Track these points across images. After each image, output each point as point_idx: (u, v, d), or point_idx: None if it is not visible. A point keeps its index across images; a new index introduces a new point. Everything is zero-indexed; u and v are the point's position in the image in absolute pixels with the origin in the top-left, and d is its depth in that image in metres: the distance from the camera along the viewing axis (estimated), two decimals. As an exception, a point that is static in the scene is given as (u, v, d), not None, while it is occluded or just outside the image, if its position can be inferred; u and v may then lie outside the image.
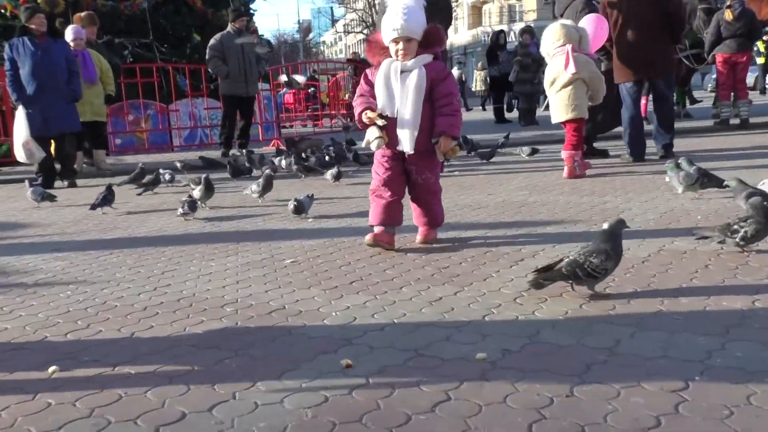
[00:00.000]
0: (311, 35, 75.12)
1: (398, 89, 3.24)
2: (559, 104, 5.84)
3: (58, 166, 7.57)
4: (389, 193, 3.35)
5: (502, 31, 15.31)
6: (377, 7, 48.51)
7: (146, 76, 11.01)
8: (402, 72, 3.24)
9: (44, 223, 4.91)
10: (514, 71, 13.23)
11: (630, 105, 6.68)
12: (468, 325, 2.22)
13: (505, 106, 15.42)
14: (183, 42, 12.48)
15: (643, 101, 7.17)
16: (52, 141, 7.40)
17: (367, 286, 2.76)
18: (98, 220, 4.91)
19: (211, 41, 9.72)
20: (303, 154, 7.67)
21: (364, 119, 3.27)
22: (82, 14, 9.34)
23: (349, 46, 72.07)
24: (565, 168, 5.85)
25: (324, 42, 78.10)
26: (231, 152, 9.59)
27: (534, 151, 7.54)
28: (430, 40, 3.28)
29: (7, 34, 11.04)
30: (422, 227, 3.50)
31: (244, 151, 9.21)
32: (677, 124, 7.28)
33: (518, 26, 47.68)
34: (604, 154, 7.27)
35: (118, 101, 10.44)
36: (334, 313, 2.41)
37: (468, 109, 24.63)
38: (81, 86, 7.55)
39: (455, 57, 55.59)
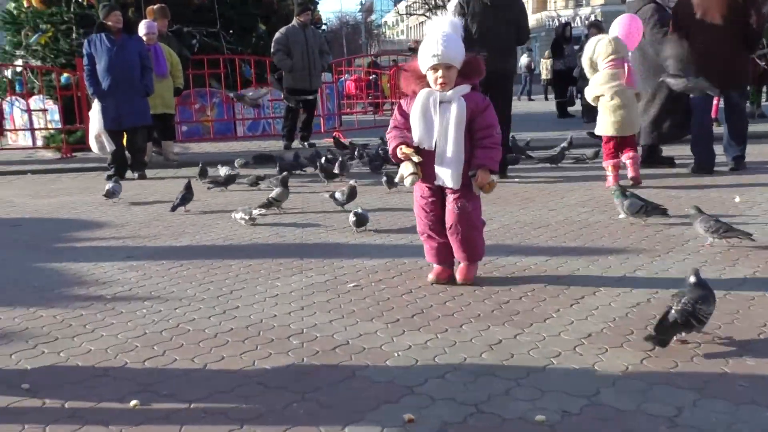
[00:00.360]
0: (373, 16, 75.02)
1: (437, 122, 3.11)
2: (622, 118, 5.83)
3: (129, 158, 7.86)
4: (438, 236, 3.29)
5: (568, 23, 15.02)
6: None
7: (213, 66, 11.25)
8: (441, 103, 3.11)
9: (117, 223, 5.13)
10: (579, 67, 12.98)
11: (700, 115, 6.51)
12: (528, 377, 2.26)
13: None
14: (248, 31, 12.64)
15: (714, 101, 6.97)
16: (125, 134, 7.68)
17: (428, 321, 2.82)
18: (168, 222, 5.11)
19: (277, 35, 9.89)
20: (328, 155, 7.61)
21: (399, 154, 3.16)
22: (155, 7, 9.59)
23: (410, 27, 71.76)
24: (632, 171, 5.96)
25: (386, 23, 77.85)
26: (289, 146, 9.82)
27: (596, 154, 7.44)
28: (470, 69, 3.17)
29: (83, 22, 11.47)
30: (462, 262, 3.33)
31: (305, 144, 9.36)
32: (750, 127, 7.05)
33: (584, 11, 46.68)
34: (670, 162, 7.12)
35: (185, 90, 10.75)
36: (396, 354, 2.49)
37: (530, 99, 24.32)
38: (153, 81, 7.81)
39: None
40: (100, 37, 7.44)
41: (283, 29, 10.01)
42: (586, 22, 43.24)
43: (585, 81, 12.62)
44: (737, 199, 5.10)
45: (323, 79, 11.72)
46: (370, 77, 18.76)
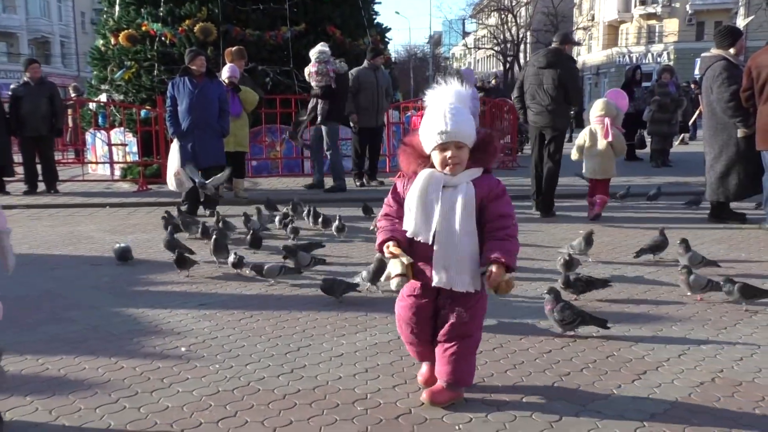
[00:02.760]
0: (441, 48, 75.66)
1: (437, 210, 2.58)
2: (595, 165, 7.37)
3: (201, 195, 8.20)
4: (419, 344, 2.82)
5: (638, 66, 14.89)
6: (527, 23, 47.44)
7: (285, 105, 11.64)
8: (444, 187, 2.61)
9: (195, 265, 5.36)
10: (649, 110, 12.85)
11: (773, 173, 6.38)
12: (587, 462, 2.29)
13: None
14: (321, 70, 13.03)
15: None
16: (200, 172, 8.03)
17: (489, 393, 2.87)
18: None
19: (349, 74, 10.22)
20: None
21: (386, 253, 2.65)
22: (233, 49, 10.02)
23: (478, 60, 72.10)
24: (596, 209, 7.28)
25: (453, 55, 78.40)
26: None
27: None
28: (483, 149, 2.67)
29: (165, 60, 12.08)
30: (440, 381, 2.76)
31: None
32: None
33: (656, 48, 45.95)
34: (740, 218, 6.97)
35: (257, 125, 11.17)
36: (457, 427, 2.56)
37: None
38: (230, 123, 8.17)
39: (587, 77, 54.28)
40: (183, 80, 7.85)
41: (354, 71, 10.35)
42: (659, 59, 42.69)
43: (655, 125, 12.67)
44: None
45: (391, 117, 12.01)
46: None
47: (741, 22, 39.10)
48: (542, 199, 7.63)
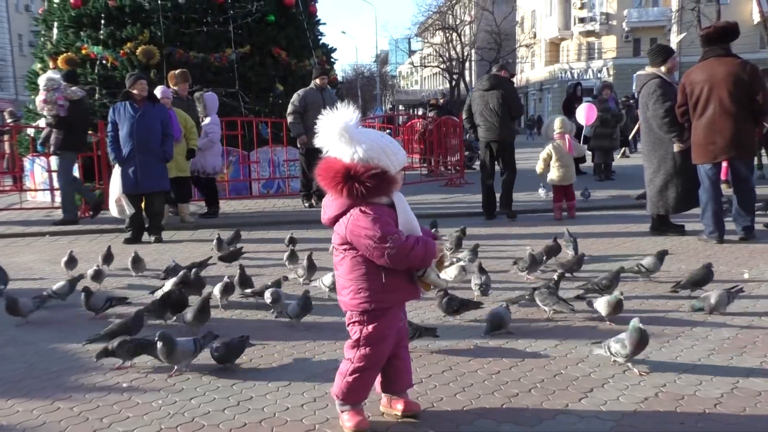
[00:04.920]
0: (388, 67, 76.34)
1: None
2: (564, 173, 8.66)
3: (146, 221, 8.02)
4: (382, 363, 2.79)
5: (579, 83, 15.26)
6: (460, 43, 48.08)
7: (230, 127, 11.52)
8: None
9: (134, 294, 5.22)
10: (591, 126, 13.17)
11: (709, 187, 6.59)
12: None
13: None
14: (266, 91, 12.97)
15: (723, 164, 7.05)
16: (143, 198, 7.87)
17: (432, 388, 2.86)
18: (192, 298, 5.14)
19: (294, 96, 10.19)
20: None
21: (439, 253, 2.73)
22: (176, 72, 9.88)
23: (424, 78, 72.97)
24: (571, 212, 8.76)
25: (400, 73, 79.19)
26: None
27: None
28: None
29: (106, 83, 11.83)
30: (406, 390, 2.90)
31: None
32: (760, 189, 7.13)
33: (596, 64, 47.32)
34: (679, 230, 7.18)
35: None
36: (406, 455, 2.53)
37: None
38: (173, 148, 8.03)
39: (531, 93, 55.46)
40: (125, 105, 7.69)
41: (301, 91, 10.28)
42: (599, 75, 43.94)
43: (597, 140, 13.00)
44: (746, 275, 5.14)
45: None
46: (386, 131, 19.03)
47: (674, 39, 40.62)
48: (504, 202, 8.85)
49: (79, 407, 3.06)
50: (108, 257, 6.19)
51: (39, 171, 12.31)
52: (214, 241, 6.75)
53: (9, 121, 16.91)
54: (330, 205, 2.69)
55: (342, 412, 2.77)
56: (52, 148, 9.31)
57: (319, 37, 14.58)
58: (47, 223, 9.66)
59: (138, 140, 7.59)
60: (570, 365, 3.41)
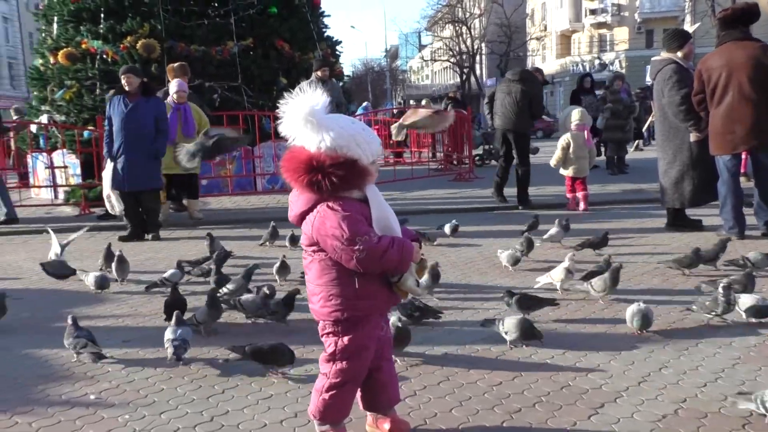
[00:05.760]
0: (398, 61, 75.93)
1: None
2: (580, 165, 8.52)
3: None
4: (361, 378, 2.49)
5: (588, 74, 14.87)
6: (469, 37, 47.84)
7: (233, 121, 11.26)
8: None
9: (121, 296, 4.97)
10: (603, 117, 12.81)
11: (728, 180, 6.23)
12: None
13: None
14: (270, 85, 12.68)
15: (743, 155, 6.69)
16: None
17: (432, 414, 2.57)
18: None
19: (297, 89, 9.88)
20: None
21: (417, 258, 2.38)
22: (175, 65, 9.64)
23: (435, 72, 72.48)
24: (583, 204, 8.57)
25: (411, 68, 78.75)
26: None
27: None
28: None
29: (107, 78, 11.59)
30: (393, 407, 2.60)
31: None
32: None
33: (608, 56, 46.67)
34: (697, 225, 6.84)
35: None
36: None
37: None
38: (166, 144, 7.70)
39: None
40: (118, 98, 7.44)
41: (302, 84, 10.01)
42: (610, 67, 43.35)
43: (609, 132, 12.62)
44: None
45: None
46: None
47: (689, 29, 39.94)
48: (520, 197, 8.94)
49: (39, 422, 2.80)
50: (109, 257, 5.90)
51: (42, 167, 12.11)
52: (207, 239, 6.39)
53: (14, 117, 16.78)
54: (296, 201, 2.38)
55: None
56: None
57: (324, 29, 14.26)
58: (48, 220, 9.45)
59: (127, 136, 7.32)
60: (579, 376, 3.10)
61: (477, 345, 3.57)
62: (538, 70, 9.75)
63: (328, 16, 14.46)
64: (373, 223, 2.31)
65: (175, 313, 3.64)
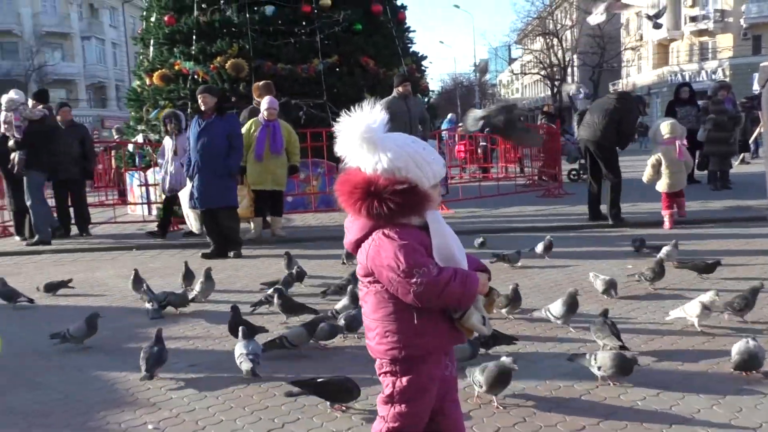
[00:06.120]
0: (487, 76, 75.24)
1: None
2: (675, 180, 8.10)
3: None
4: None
5: (686, 83, 14.06)
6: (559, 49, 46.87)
7: (315, 139, 11.29)
8: None
9: (193, 318, 4.94)
10: (704, 129, 12.01)
11: None
12: None
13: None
14: (354, 101, 12.53)
15: None
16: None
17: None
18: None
19: (378, 105, 9.83)
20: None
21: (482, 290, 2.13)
22: (260, 83, 9.76)
23: (525, 86, 71.34)
24: (681, 211, 8.33)
25: (500, 82, 77.87)
26: None
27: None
28: None
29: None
30: None
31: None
32: None
33: (710, 65, 44.39)
34: None
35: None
36: None
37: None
38: (239, 161, 7.66)
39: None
40: (195, 119, 7.57)
41: (383, 100, 9.93)
42: (713, 76, 41.23)
43: (712, 145, 11.82)
44: None
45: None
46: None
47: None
48: (610, 212, 8.42)
49: (94, 453, 2.73)
50: (188, 275, 5.95)
51: (136, 185, 12.57)
52: (284, 258, 6.32)
53: (115, 137, 17.64)
54: (351, 227, 2.19)
55: None
56: (16, 169, 8.94)
57: (409, 44, 14.17)
58: (137, 237, 9.76)
59: (200, 155, 7.38)
60: (675, 424, 2.74)
61: (559, 381, 3.27)
62: (642, 101, 9.38)
63: (414, 31, 14.37)
64: (433, 252, 2.09)
65: (241, 328, 3.64)
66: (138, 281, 5.66)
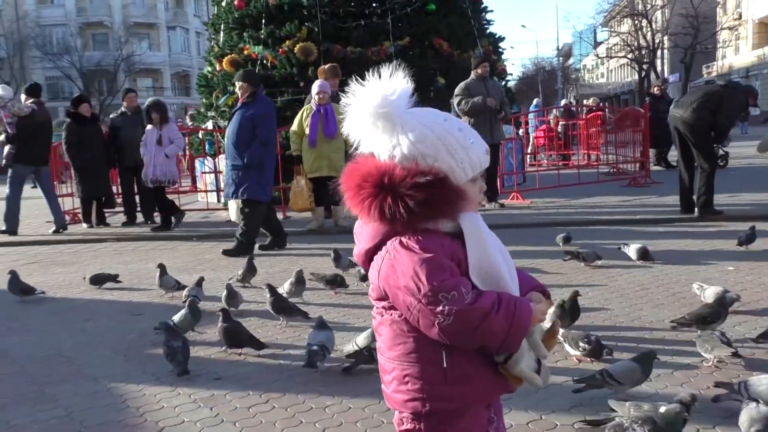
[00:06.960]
0: (571, 60, 72.69)
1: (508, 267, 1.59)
2: None
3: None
4: None
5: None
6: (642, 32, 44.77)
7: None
8: None
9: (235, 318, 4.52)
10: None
11: None
12: None
13: None
14: (426, 85, 12.08)
15: None
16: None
17: None
18: (279, 329, 4.28)
19: (457, 89, 9.66)
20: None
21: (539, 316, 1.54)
22: (326, 66, 9.36)
23: (610, 70, 68.49)
24: None
25: (584, 66, 75.13)
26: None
27: None
28: None
29: (266, 82, 11.57)
30: None
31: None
32: None
33: (819, 44, 41.03)
34: None
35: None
36: None
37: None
38: (261, 152, 6.90)
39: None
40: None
41: (462, 83, 9.56)
42: None
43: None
44: None
45: (504, 133, 10.81)
46: (558, 127, 17.44)
47: None
48: (702, 199, 7.51)
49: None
50: (251, 269, 5.54)
51: (207, 171, 12.41)
52: (332, 254, 5.81)
53: (189, 124, 17.67)
54: (361, 233, 1.64)
55: None
56: (3, 162, 9.22)
57: (486, 25, 13.43)
58: (203, 224, 9.57)
59: (227, 143, 7.12)
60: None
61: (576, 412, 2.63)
62: (752, 91, 8.23)
63: (491, 11, 13.61)
64: (469, 270, 1.51)
65: (318, 317, 3.59)
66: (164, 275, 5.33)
